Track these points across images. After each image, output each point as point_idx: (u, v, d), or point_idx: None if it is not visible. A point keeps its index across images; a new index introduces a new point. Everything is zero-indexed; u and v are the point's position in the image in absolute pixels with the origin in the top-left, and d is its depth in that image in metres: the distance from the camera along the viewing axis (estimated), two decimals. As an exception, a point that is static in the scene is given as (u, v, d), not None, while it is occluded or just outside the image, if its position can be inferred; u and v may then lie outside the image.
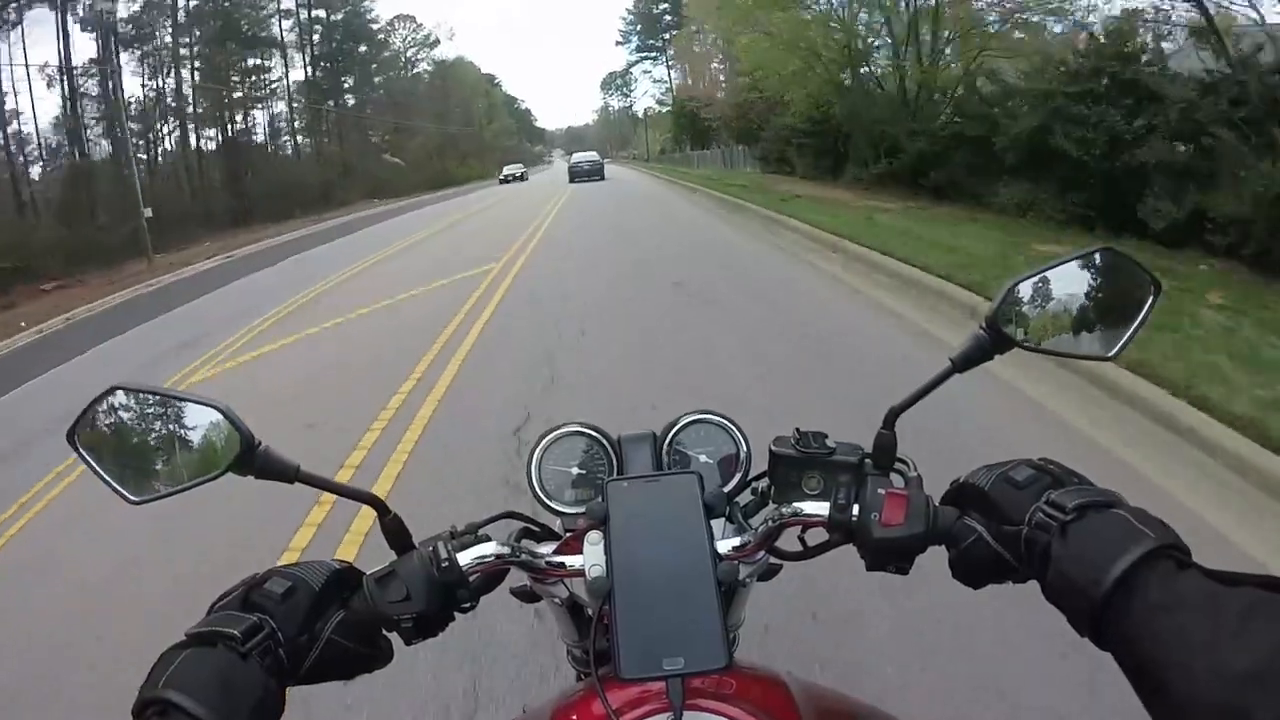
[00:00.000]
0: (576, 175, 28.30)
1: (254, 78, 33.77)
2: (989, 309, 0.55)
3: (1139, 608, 0.42)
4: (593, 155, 32.77)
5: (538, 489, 0.72)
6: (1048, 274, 0.58)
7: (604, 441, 0.72)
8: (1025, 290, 0.58)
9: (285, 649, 0.49)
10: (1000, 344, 0.57)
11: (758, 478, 0.66)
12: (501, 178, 29.46)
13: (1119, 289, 0.58)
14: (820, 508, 0.58)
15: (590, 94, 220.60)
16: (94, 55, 25.57)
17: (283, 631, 0.49)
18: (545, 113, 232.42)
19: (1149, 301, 0.57)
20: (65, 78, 24.43)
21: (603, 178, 28.25)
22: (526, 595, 0.74)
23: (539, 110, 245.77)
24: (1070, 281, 0.60)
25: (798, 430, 0.61)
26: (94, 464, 0.54)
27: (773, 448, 0.62)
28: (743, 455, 0.72)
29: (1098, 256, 0.58)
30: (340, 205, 30.36)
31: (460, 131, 57.64)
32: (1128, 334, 0.57)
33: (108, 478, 0.54)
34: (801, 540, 0.62)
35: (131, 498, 0.54)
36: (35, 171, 24.07)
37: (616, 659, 0.47)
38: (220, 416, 0.55)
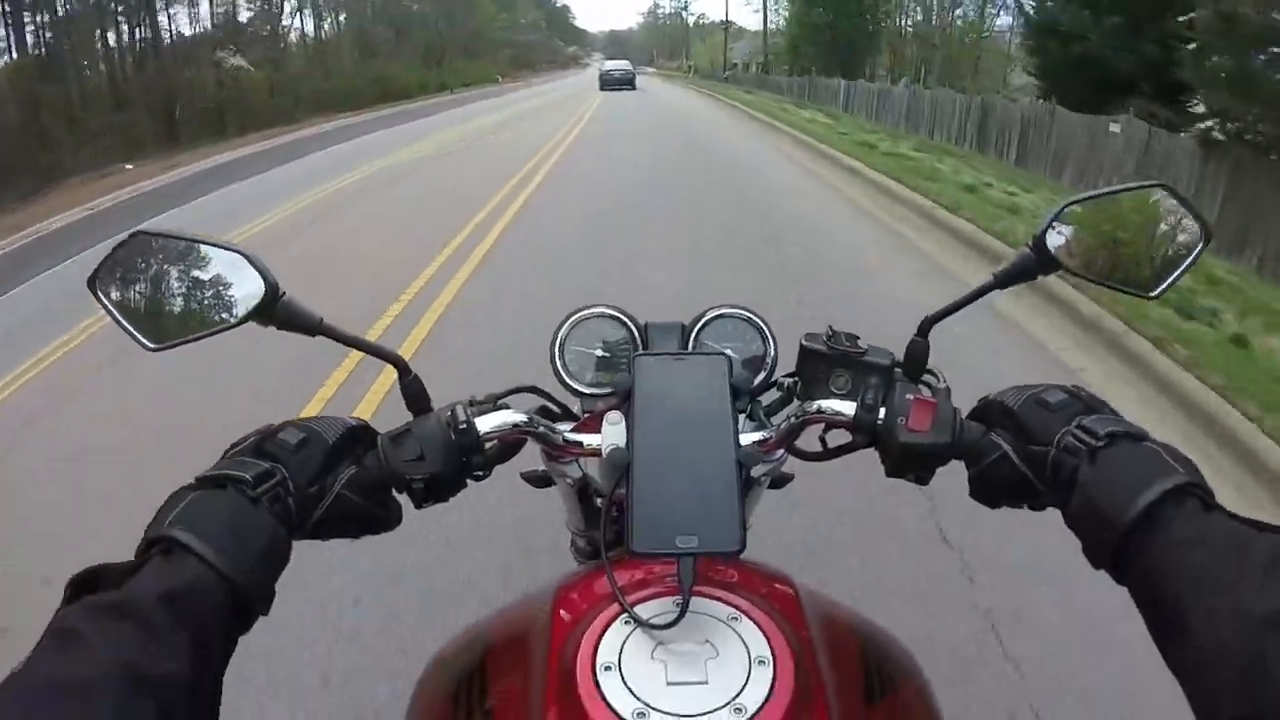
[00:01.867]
0: (607, 84, 33.10)
1: None
2: (1037, 228, 0.61)
3: (1163, 541, 0.46)
4: (625, 64, 38.46)
5: (560, 368, 0.77)
6: (1101, 201, 0.63)
7: (631, 325, 0.78)
8: (1076, 214, 0.62)
9: (295, 499, 0.55)
10: (1045, 265, 0.62)
11: (784, 377, 0.73)
12: None
13: (1169, 228, 0.62)
14: (846, 407, 0.64)
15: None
16: None
17: (294, 481, 0.55)
18: (587, 12, 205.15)
19: (1198, 247, 0.61)
20: None
21: (633, 87, 33.06)
22: (538, 480, 0.79)
23: (579, 8, 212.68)
24: (1123, 212, 0.63)
25: (830, 328, 0.68)
26: (113, 310, 0.60)
27: (804, 342, 0.68)
28: (769, 355, 0.77)
29: (1154, 192, 0.63)
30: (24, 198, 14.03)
31: (429, 14, 32.16)
32: (1172, 276, 0.62)
33: (126, 323, 0.60)
34: (822, 441, 0.69)
35: (149, 344, 0.60)
36: None
37: (629, 533, 0.54)
38: (245, 262, 0.59)
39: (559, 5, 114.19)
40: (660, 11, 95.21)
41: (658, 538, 0.53)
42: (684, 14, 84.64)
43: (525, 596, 0.69)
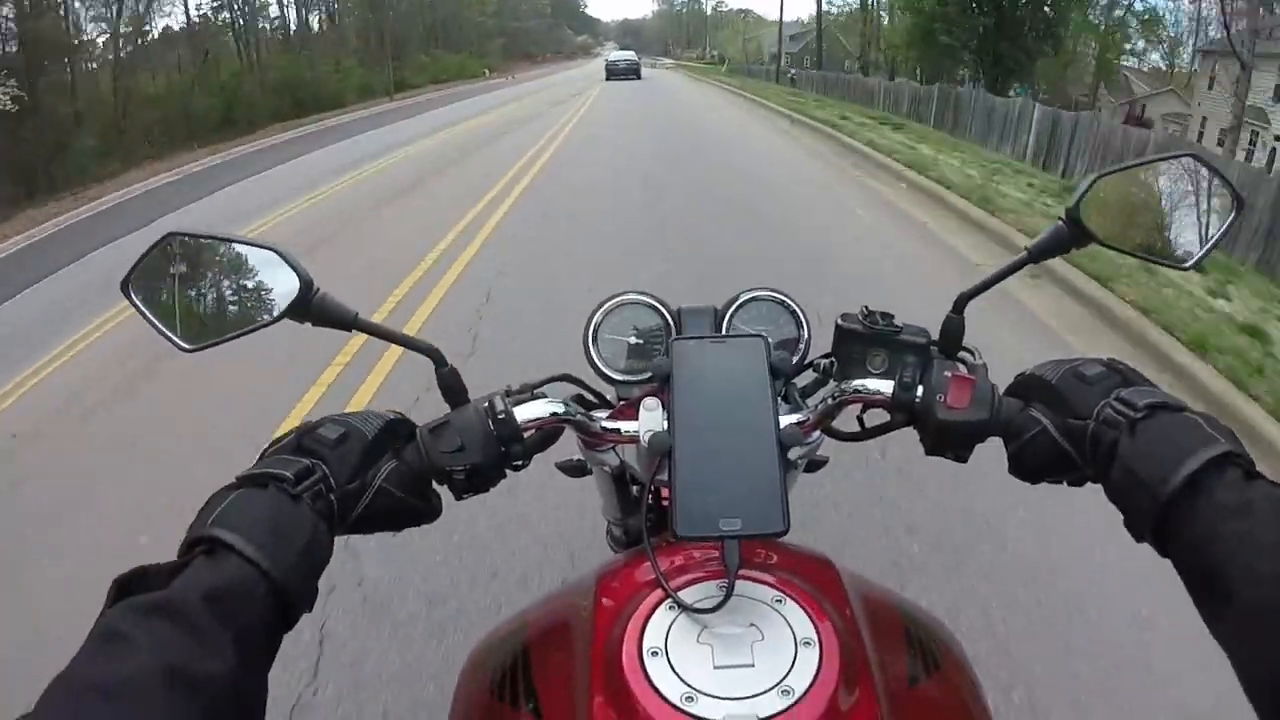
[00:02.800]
0: (613, 73, 35.49)
1: None
2: (1070, 201, 0.65)
3: (1206, 509, 0.48)
4: (630, 55, 40.52)
5: (594, 357, 0.79)
6: (1131, 173, 0.66)
7: (664, 312, 0.80)
8: (1107, 186, 0.65)
9: (336, 495, 0.59)
10: (1079, 238, 0.65)
11: (820, 358, 0.77)
12: None
13: (1201, 198, 0.65)
14: (884, 386, 0.67)
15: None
16: None
17: (334, 477, 0.59)
18: (601, 2, 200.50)
19: (1230, 216, 0.64)
20: None
21: (638, 77, 35.37)
22: (574, 470, 0.82)
23: None
24: (1153, 183, 0.66)
25: (865, 308, 0.71)
26: (147, 312, 0.64)
27: (840, 322, 0.72)
28: (803, 337, 0.79)
29: (1181, 162, 0.66)
30: None
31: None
32: (1206, 246, 0.65)
33: (161, 326, 0.63)
34: (860, 421, 0.72)
35: (184, 345, 0.64)
36: None
37: (672, 518, 0.57)
38: (279, 259, 0.62)
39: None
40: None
41: (702, 521, 0.56)
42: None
43: (565, 585, 0.73)
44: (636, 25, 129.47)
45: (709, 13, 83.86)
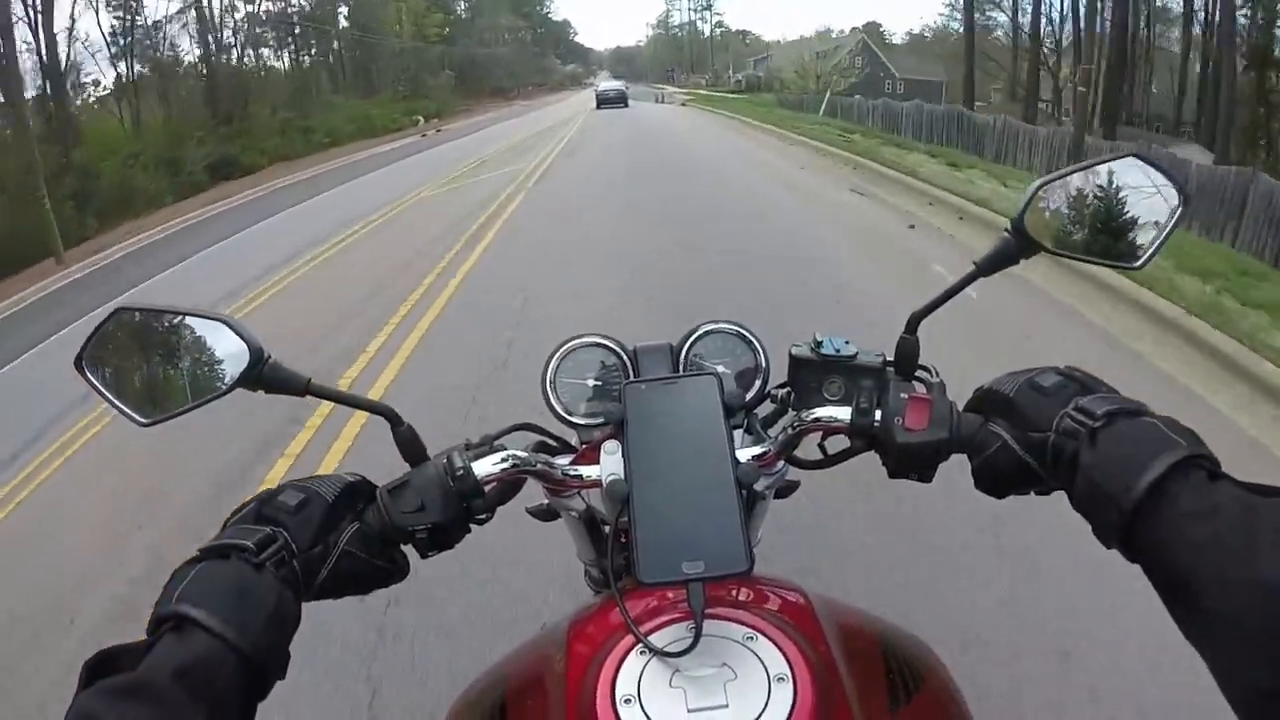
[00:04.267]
0: (603, 102, 37.37)
1: None
2: (1015, 212, 0.66)
3: (1172, 516, 0.48)
4: (618, 85, 42.63)
5: (553, 401, 0.81)
6: (1074, 178, 0.67)
7: (620, 352, 0.82)
8: (1051, 193, 0.67)
9: (299, 561, 0.60)
10: (1026, 247, 0.66)
11: (777, 389, 0.79)
12: None
13: (1146, 197, 0.66)
14: (842, 413, 0.68)
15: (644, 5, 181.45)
16: None
17: (296, 543, 0.60)
18: (592, 28, 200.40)
19: (1176, 212, 0.65)
20: None
21: (626, 105, 36.92)
22: (544, 514, 0.82)
23: (583, 24, 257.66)
24: (1097, 186, 0.66)
25: (815, 335, 0.73)
26: (102, 389, 0.65)
27: (793, 352, 0.73)
28: (761, 367, 0.80)
29: (1125, 162, 0.67)
30: None
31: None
32: (1155, 244, 0.66)
33: (117, 402, 0.65)
34: (822, 448, 0.73)
35: (141, 420, 0.65)
36: None
37: (635, 564, 0.58)
38: (228, 329, 0.64)
39: (559, 20, 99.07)
40: (673, 21, 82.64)
41: (664, 566, 0.57)
42: (709, 14, 66.83)
43: (539, 634, 0.75)
44: (630, 53, 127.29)
45: (709, 34, 78.06)
